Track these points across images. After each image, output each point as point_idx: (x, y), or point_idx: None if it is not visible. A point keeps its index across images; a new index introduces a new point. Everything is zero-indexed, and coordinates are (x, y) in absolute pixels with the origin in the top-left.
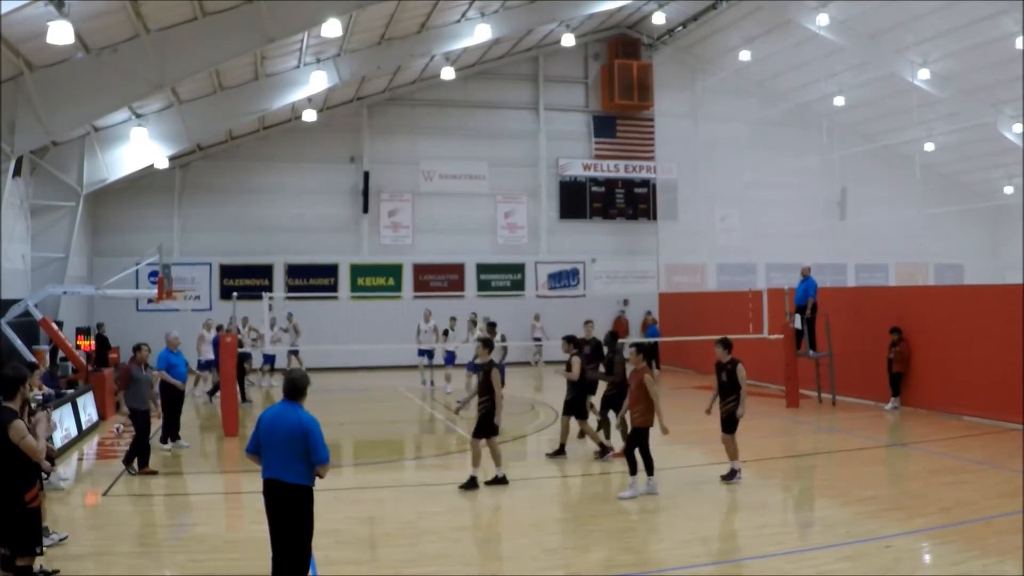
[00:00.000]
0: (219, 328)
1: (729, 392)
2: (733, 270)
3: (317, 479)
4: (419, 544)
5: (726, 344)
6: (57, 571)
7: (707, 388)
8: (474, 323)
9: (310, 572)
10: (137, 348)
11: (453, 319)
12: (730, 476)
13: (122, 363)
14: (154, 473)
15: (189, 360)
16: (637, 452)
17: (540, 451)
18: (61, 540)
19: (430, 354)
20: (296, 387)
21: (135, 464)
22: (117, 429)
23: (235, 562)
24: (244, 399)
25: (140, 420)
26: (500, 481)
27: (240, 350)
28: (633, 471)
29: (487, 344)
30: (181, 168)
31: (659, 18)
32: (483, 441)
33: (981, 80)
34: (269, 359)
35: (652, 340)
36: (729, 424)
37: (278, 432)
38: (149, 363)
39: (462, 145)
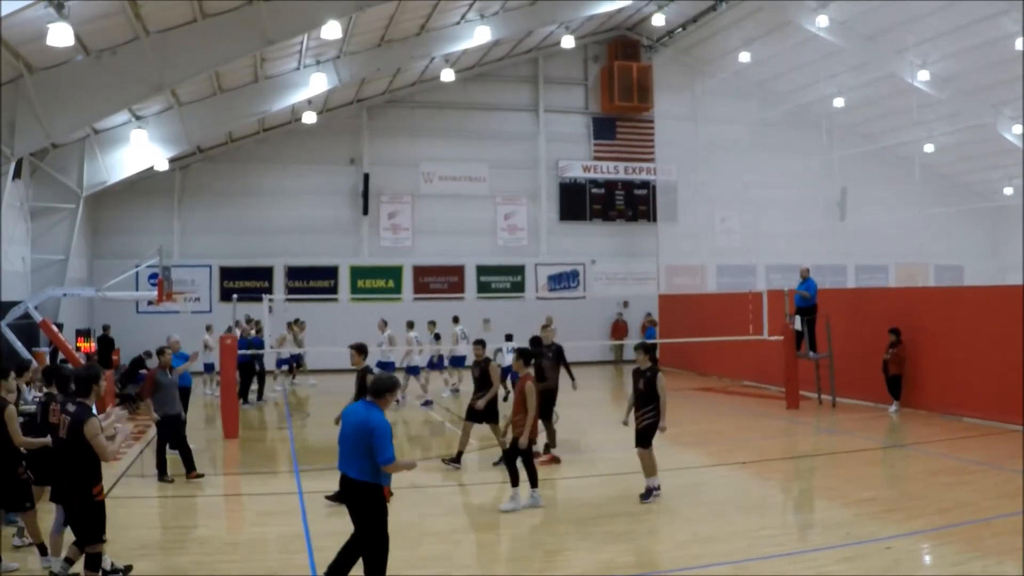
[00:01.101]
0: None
1: (647, 402)
2: (733, 271)
3: (393, 478)
4: (420, 546)
5: (646, 349)
6: (130, 567)
7: (707, 390)
8: (456, 322)
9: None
10: (160, 352)
11: (432, 323)
12: (647, 495)
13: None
14: (202, 475)
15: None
16: (520, 463)
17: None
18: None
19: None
20: (376, 387)
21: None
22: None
23: (237, 564)
24: (246, 400)
25: (170, 425)
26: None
27: (251, 351)
28: (515, 482)
29: (481, 343)
30: (181, 170)
31: (659, 20)
32: (474, 425)
33: (981, 80)
34: (285, 361)
35: (650, 342)
36: (644, 437)
37: (348, 428)
38: (175, 367)
39: (462, 147)
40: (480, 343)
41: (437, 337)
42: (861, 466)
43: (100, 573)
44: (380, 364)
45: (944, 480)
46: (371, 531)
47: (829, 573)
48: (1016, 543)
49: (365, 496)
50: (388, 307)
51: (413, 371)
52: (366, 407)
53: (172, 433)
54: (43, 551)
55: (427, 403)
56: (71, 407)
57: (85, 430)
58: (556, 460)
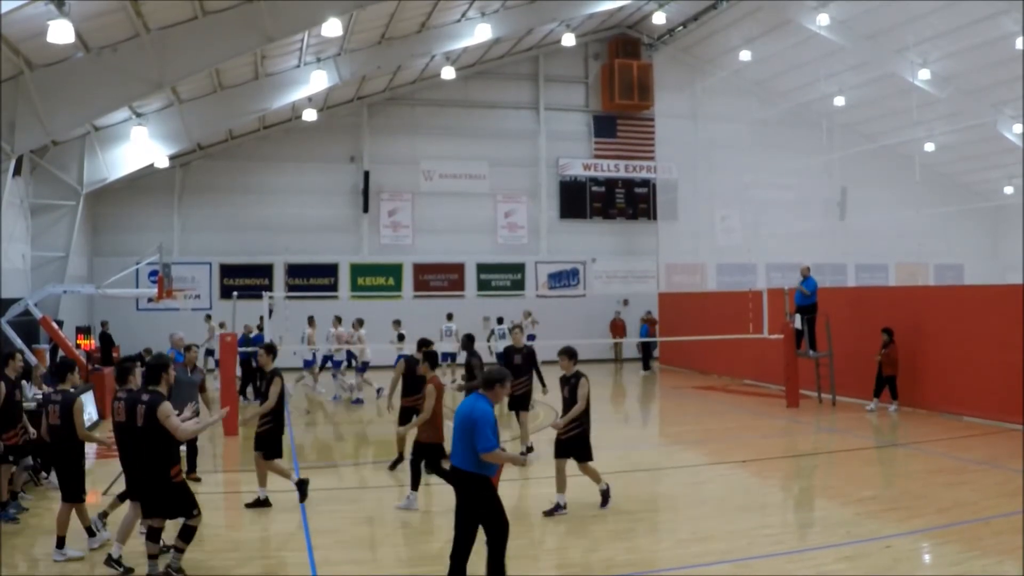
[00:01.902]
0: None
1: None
2: (733, 270)
3: (498, 469)
4: (419, 544)
5: (570, 354)
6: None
7: (707, 388)
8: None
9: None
10: (187, 349)
11: (397, 322)
12: (553, 510)
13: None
14: (198, 480)
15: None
16: (426, 465)
17: (539, 452)
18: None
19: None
20: (487, 380)
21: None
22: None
23: (236, 562)
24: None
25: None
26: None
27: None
28: (415, 484)
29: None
30: (181, 167)
31: (659, 18)
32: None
33: (981, 80)
34: (311, 362)
35: (645, 340)
36: (575, 449)
37: (458, 420)
38: (198, 365)
39: (462, 145)
40: (470, 337)
41: (401, 337)
42: (861, 465)
43: (187, 545)
44: (327, 359)
45: (944, 479)
46: (487, 520)
47: (829, 572)
48: (1016, 542)
49: (474, 487)
50: (388, 305)
51: (362, 368)
52: (475, 399)
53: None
54: (60, 544)
55: (357, 400)
56: (144, 396)
57: (158, 413)
58: (528, 452)
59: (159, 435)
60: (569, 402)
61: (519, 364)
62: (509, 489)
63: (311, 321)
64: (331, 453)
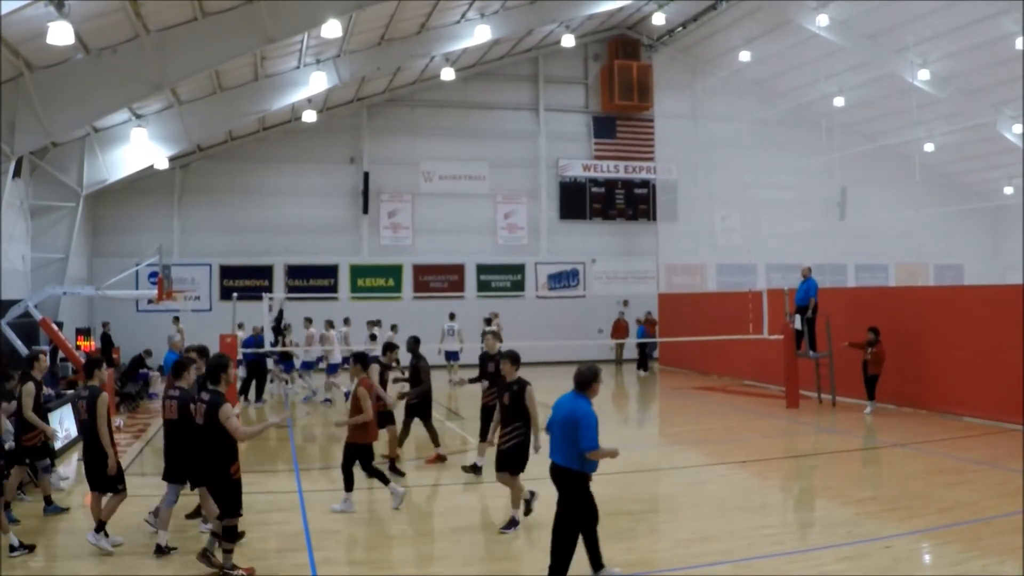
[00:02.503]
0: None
1: (513, 419)
2: (733, 270)
3: (598, 466)
4: (419, 544)
5: (513, 359)
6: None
7: (707, 389)
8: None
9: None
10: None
11: (371, 322)
12: (509, 526)
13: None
14: None
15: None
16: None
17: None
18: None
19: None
20: (582, 379)
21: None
22: (119, 425)
23: (236, 562)
24: (259, 399)
25: None
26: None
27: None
28: (348, 487)
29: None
30: (181, 169)
31: (659, 19)
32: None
33: (981, 80)
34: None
35: (641, 340)
36: (510, 461)
37: (557, 418)
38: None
39: (462, 146)
40: (415, 339)
41: (373, 338)
42: (861, 465)
43: (234, 545)
44: (304, 363)
45: (944, 479)
46: (580, 515)
47: (829, 572)
48: (1016, 542)
49: (572, 482)
50: (388, 306)
51: (331, 369)
52: (573, 398)
53: None
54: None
55: (326, 400)
56: (205, 396)
57: (219, 414)
58: (442, 459)
59: (217, 433)
60: (510, 410)
61: (493, 372)
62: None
63: (308, 322)
64: (330, 454)
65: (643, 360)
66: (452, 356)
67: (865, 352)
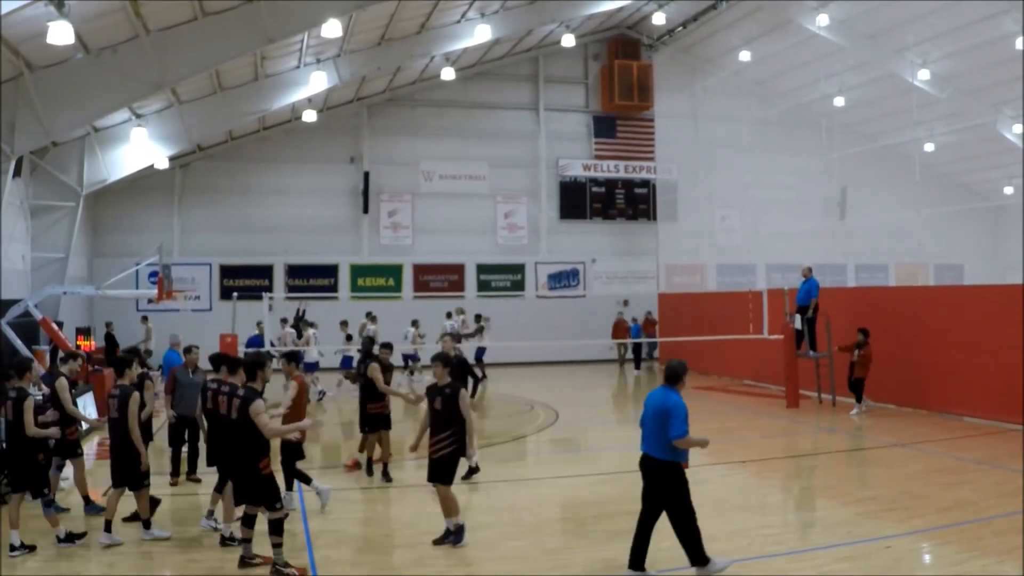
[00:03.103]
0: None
1: (445, 426)
2: (733, 270)
3: (689, 455)
4: (419, 545)
5: (445, 361)
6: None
7: (707, 388)
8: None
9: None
10: (187, 351)
11: (344, 323)
12: (446, 537)
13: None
14: (198, 480)
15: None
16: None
17: (539, 451)
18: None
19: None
20: (673, 373)
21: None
22: None
23: (235, 562)
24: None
25: (188, 426)
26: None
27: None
28: (289, 486)
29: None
30: (181, 168)
31: (659, 18)
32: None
33: (981, 80)
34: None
35: (636, 340)
36: (442, 471)
37: (649, 411)
38: (199, 366)
39: (462, 145)
40: (370, 340)
41: (349, 338)
42: (861, 465)
43: (282, 538)
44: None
45: (944, 479)
46: (676, 506)
47: (829, 572)
48: (1016, 542)
49: (666, 473)
50: (388, 306)
51: (310, 368)
52: (664, 391)
53: (190, 434)
54: (147, 525)
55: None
56: (240, 392)
57: (250, 409)
58: (358, 466)
59: (249, 429)
60: (441, 415)
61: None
62: (507, 489)
63: (283, 323)
64: (330, 453)
65: (639, 359)
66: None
67: (852, 354)
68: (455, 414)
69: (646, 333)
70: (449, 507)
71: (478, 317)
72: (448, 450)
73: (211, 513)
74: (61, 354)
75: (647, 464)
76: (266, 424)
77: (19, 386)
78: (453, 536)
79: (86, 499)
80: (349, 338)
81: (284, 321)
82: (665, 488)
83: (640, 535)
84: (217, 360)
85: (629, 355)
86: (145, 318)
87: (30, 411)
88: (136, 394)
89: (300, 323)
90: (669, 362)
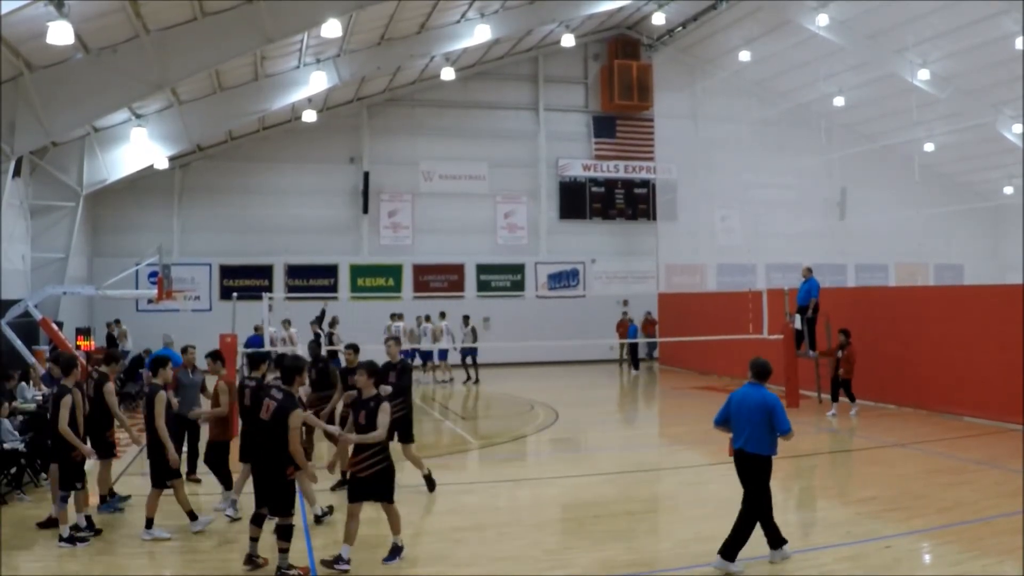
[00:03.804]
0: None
1: (371, 443)
2: (733, 270)
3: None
4: (419, 544)
5: (371, 370)
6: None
7: (707, 388)
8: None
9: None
10: (184, 351)
11: (286, 321)
12: (393, 555)
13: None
14: (198, 481)
15: None
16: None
17: (539, 451)
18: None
19: None
20: (762, 369)
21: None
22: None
23: (234, 562)
24: None
25: (189, 426)
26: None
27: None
28: (227, 485)
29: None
30: (181, 168)
31: (659, 18)
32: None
33: (981, 80)
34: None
35: (632, 340)
36: (380, 489)
37: (745, 409)
38: (197, 365)
39: (462, 145)
40: (316, 343)
41: (317, 336)
42: (861, 465)
43: (289, 543)
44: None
45: (944, 479)
46: (757, 493)
47: (829, 572)
48: (1016, 542)
49: (759, 466)
50: (388, 305)
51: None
52: (756, 389)
53: (189, 435)
54: (149, 524)
55: None
56: (277, 394)
57: (290, 419)
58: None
59: (281, 436)
60: (365, 429)
61: (392, 383)
62: (507, 489)
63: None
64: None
65: (635, 359)
66: (442, 355)
67: (836, 354)
68: (374, 426)
69: (646, 333)
70: (395, 524)
71: (466, 319)
72: (381, 467)
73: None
74: (82, 356)
75: (744, 459)
76: (297, 437)
77: (63, 383)
78: (391, 555)
79: (102, 498)
80: (318, 336)
81: (288, 323)
82: (755, 477)
83: (768, 522)
84: (257, 359)
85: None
86: (118, 321)
87: (66, 408)
88: (163, 393)
89: (320, 324)
90: (756, 360)
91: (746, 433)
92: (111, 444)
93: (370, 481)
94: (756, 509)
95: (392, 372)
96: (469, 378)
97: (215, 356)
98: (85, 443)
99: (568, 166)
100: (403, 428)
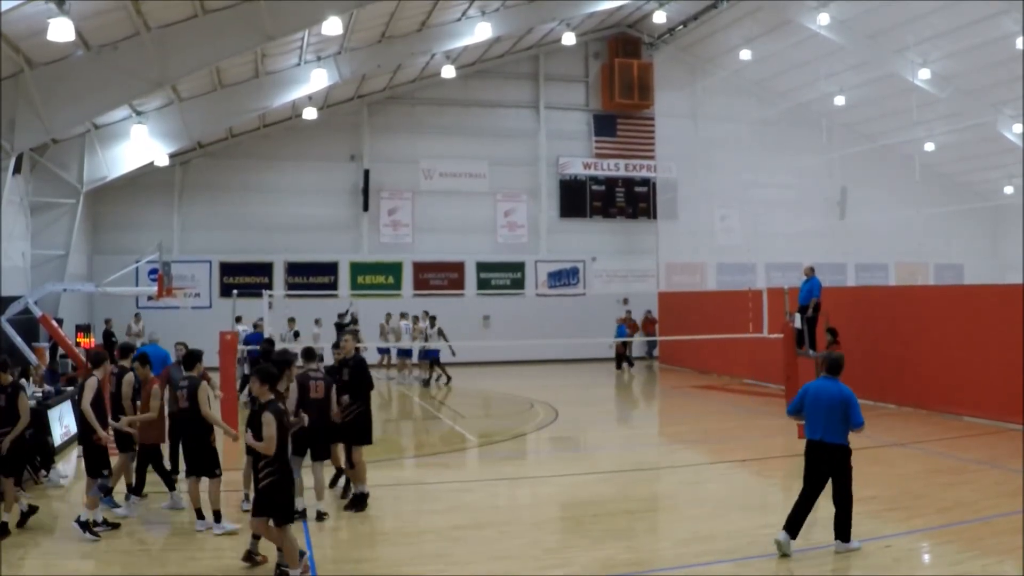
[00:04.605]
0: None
1: (273, 459)
2: (733, 269)
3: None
4: (419, 543)
5: (263, 376)
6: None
7: (707, 387)
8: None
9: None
10: (176, 348)
11: (291, 320)
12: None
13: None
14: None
15: None
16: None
17: (539, 449)
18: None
19: None
20: (836, 364)
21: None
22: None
23: (234, 561)
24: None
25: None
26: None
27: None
28: (171, 485)
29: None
30: (181, 166)
31: (660, 17)
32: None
33: (981, 80)
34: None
35: (620, 339)
36: (267, 503)
37: (822, 401)
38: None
39: (462, 143)
40: (353, 333)
41: (297, 335)
42: (861, 465)
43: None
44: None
45: (944, 479)
46: (843, 485)
47: (829, 572)
48: (1016, 542)
49: (838, 456)
50: (388, 303)
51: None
52: (832, 382)
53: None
54: (200, 516)
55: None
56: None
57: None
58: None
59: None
60: (260, 438)
61: (347, 381)
62: (507, 488)
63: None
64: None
65: (619, 359)
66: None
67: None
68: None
69: (646, 332)
70: (290, 550)
71: (432, 319)
72: (268, 480)
73: (248, 497)
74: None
75: (820, 449)
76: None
77: (92, 374)
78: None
79: (108, 490)
80: (297, 335)
81: (292, 321)
82: (838, 468)
83: (802, 509)
84: (308, 353)
85: (632, 353)
86: (136, 315)
87: (91, 390)
88: (204, 383)
89: (346, 322)
90: (831, 354)
91: (823, 424)
92: (131, 438)
93: (261, 493)
94: (848, 491)
95: (346, 369)
96: (439, 377)
97: (143, 360)
98: (108, 432)
99: (568, 164)
100: (357, 430)
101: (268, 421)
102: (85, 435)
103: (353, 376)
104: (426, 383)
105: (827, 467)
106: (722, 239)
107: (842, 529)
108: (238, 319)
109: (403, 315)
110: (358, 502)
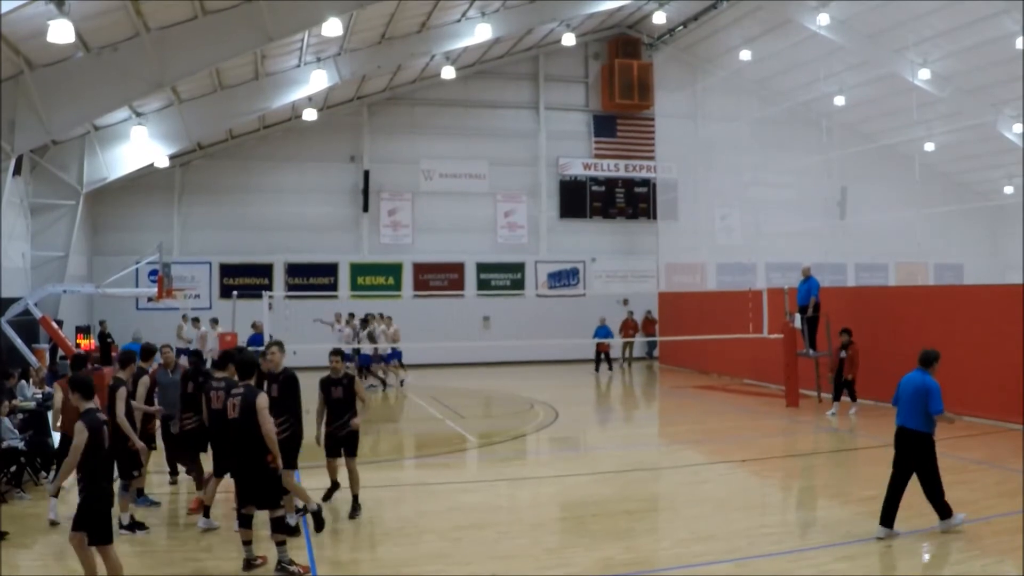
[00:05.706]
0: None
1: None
2: (733, 270)
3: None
4: (419, 543)
5: (74, 385)
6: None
7: (707, 387)
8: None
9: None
10: (161, 350)
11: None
12: None
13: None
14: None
15: None
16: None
17: (539, 450)
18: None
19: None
20: (929, 358)
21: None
22: None
23: (233, 560)
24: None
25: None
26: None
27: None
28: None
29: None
30: (181, 167)
31: (659, 18)
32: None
33: (981, 80)
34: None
35: (601, 339)
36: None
37: (907, 390)
38: (179, 363)
39: (462, 144)
40: (338, 353)
41: (371, 337)
42: (861, 464)
43: (285, 536)
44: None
45: (944, 479)
46: (928, 471)
47: (829, 572)
48: (1016, 542)
49: (920, 443)
50: (388, 304)
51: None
52: (921, 374)
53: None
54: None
55: None
56: (239, 391)
57: (257, 402)
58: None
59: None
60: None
61: (275, 397)
62: (507, 488)
63: (196, 322)
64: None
65: (598, 360)
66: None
67: (839, 354)
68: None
69: (646, 332)
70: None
71: (363, 321)
72: (82, 494)
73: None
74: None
75: (903, 435)
76: (266, 419)
77: (118, 375)
78: None
79: (139, 491)
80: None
81: (215, 321)
82: (920, 454)
83: (892, 498)
84: (224, 359)
85: (633, 353)
86: (102, 322)
87: (122, 400)
88: (263, 395)
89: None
90: (926, 350)
91: (905, 411)
92: (150, 436)
93: (78, 507)
94: (934, 475)
95: (274, 385)
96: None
97: (120, 363)
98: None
99: (568, 165)
100: (286, 451)
101: (79, 430)
102: (118, 443)
103: (283, 393)
104: (384, 385)
105: (910, 452)
106: (722, 239)
107: (938, 509)
108: (255, 326)
109: (337, 316)
110: (281, 526)
